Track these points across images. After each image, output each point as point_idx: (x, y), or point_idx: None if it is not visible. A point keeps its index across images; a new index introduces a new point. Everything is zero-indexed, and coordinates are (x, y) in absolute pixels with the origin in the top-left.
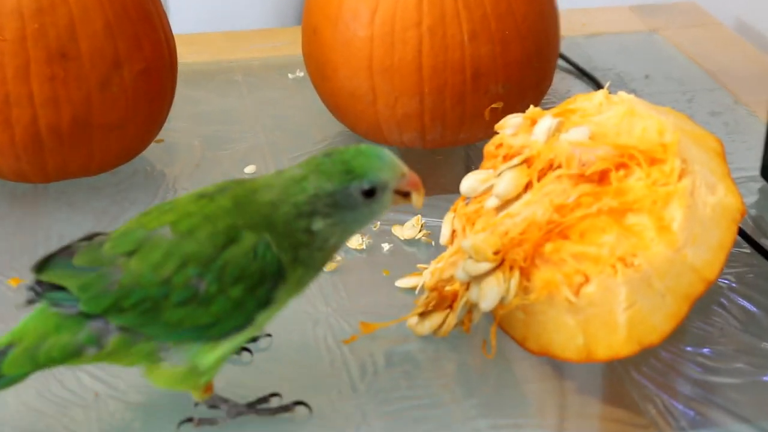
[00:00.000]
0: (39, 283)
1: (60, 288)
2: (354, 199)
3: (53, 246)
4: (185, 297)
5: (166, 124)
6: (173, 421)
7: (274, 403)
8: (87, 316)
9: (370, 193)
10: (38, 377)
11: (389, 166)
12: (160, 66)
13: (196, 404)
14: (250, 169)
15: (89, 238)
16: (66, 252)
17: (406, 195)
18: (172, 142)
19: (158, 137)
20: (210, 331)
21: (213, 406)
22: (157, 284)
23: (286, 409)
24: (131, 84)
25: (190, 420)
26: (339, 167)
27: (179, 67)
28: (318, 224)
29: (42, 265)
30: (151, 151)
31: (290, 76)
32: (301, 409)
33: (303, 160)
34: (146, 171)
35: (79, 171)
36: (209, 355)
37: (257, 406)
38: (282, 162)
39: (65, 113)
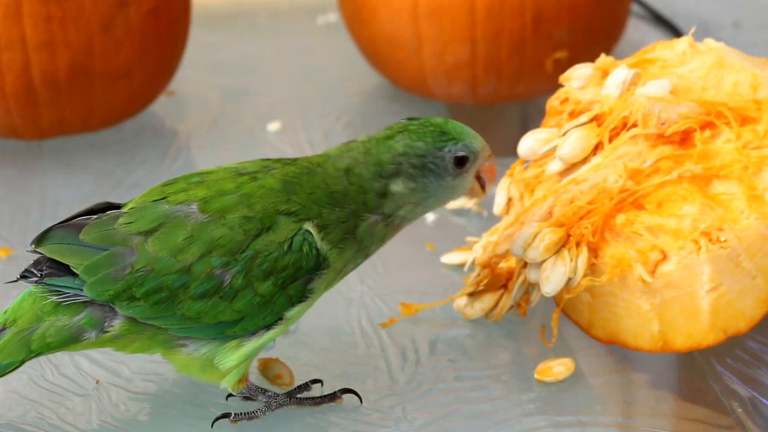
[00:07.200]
0: (38, 265)
1: (59, 268)
2: (444, 164)
3: (48, 212)
4: (207, 289)
5: (178, 74)
6: (185, 413)
7: (317, 391)
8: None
9: (461, 162)
10: (31, 362)
11: (479, 138)
12: (172, 5)
13: (228, 396)
14: (274, 126)
15: (100, 210)
16: (71, 225)
17: (480, 182)
18: (184, 95)
19: (169, 88)
20: (232, 329)
21: (247, 398)
22: (176, 272)
23: (332, 398)
24: (138, 26)
25: (225, 416)
26: (431, 129)
27: (194, 8)
28: (398, 185)
29: (42, 239)
30: (161, 105)
31: (320, 19)
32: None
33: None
34: (155, 127)
35: (78, 126)
36: (231, 354)
37: (297, 394)
38: (312, 119)
39: (62, 59)
